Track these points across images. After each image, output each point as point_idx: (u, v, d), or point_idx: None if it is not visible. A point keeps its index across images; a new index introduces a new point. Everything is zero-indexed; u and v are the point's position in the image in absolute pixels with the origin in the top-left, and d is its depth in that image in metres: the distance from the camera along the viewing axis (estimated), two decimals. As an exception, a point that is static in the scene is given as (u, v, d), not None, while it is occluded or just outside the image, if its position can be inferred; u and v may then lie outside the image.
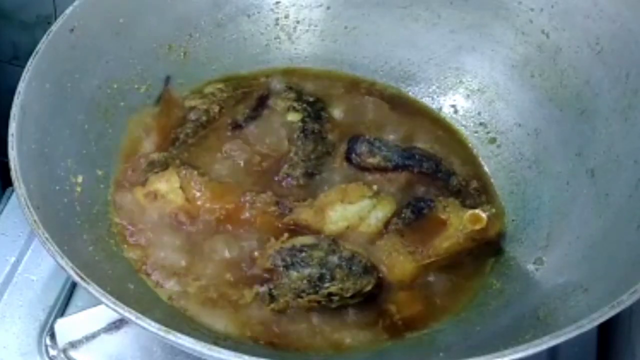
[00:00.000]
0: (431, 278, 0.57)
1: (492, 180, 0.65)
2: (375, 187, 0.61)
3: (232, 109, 0.66)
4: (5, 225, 0.66)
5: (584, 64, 0.60)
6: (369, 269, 0.56)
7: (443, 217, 0.59)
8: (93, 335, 0.58)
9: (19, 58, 0.87)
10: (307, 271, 0.55)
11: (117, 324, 0.58)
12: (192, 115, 0.65)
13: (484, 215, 0.58)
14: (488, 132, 0.67)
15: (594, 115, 0.59)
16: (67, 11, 0.58)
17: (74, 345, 0.57)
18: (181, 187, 0.59)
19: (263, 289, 0.55)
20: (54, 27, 0.57)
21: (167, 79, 0.66)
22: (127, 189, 0.60)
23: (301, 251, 0.55)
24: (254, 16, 0.70)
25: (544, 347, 0.41)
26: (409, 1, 0.68)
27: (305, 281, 0.54)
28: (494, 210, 0.60)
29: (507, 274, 0.58)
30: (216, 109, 0.66)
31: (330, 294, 0.54)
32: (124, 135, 0.63)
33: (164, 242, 0.58)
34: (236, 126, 0.65)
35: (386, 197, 0.60)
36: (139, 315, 0.42)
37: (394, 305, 0.55)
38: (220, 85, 0.68)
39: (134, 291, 0.54)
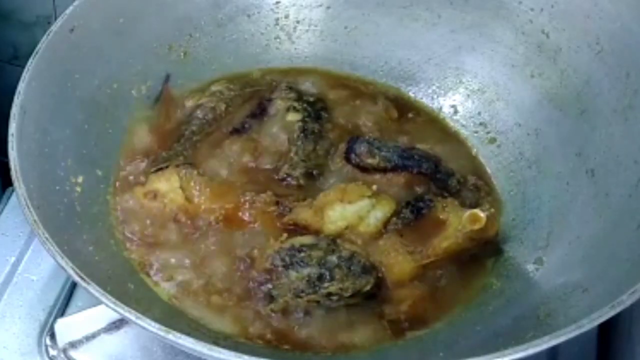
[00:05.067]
0: (430, 278, 0.57)
1: (492, 180, 0.65)
2: (374, 187, 0.61)
3: (238, 107, 0.66)
4: (5, 225, 0.66)
5: (584, 64, 0.60)
6: (368, 268, 0.56)
7: (442, 217, 0.59)
8: (93, 335, 0.58)
9: (19, 58, 0.87)
10: (306, 271, 0.55)
11: (117, 324, 0.58)
12: (199, 113, 0.65)
13: (483, 215, 0.58)
14: (488, 132, 0.67)
15: (594, 115, 0.59)
16: (67, 11, 0.58)
17: (74, 345, 0.57)
18: (181, 187, 0.59)
19: (262, 289, 0.55)
20: (54, 27, 0.57)
21: (167, 77, 0.66)
22: (127, 189, 0.60)
23: (300, 251, 0.55)
24: (254, 16, 0.70)
25: (544, 347, 0.41)
26: (409, 1, 0.68)
27: (304, 281, 0.54)
28: (493, 210, 0.60)
29: (507, 274, 0.58)
30: (222, 107, 0.66)
31: (329, 294, 0.54)
32: (124, 135, 0.63)
33: (164, 242, 0.58)
34: (237, 126, 0.65)
35: (385, 197, 0.60)
36: (139, 315, 0.42)
37: (394, 305, 0.55)
38: (228, 84, 0.68)
39: (134, 291, 0.54)
